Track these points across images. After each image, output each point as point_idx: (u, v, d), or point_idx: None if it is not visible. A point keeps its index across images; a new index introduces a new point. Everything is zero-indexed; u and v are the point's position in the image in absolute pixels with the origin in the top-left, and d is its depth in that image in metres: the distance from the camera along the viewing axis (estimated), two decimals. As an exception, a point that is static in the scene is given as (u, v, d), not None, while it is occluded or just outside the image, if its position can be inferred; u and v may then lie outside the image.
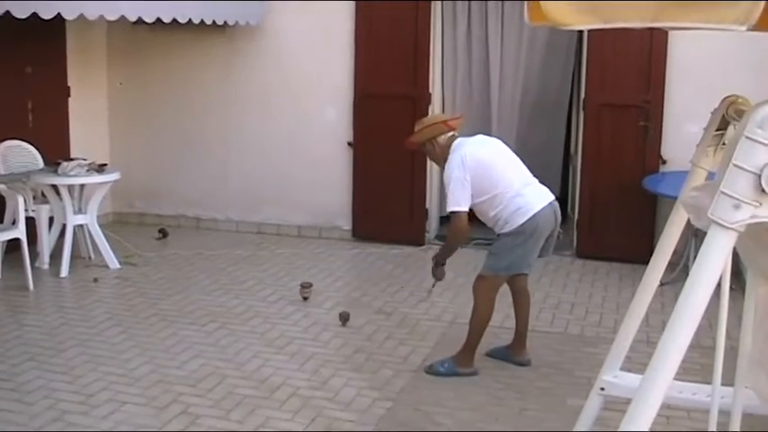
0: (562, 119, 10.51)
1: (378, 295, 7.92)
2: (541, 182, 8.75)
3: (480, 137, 6.34)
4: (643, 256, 8.53)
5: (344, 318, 7.10)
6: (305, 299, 7.57)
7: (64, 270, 8.22)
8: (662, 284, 8.20)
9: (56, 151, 9.08)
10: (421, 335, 6.91)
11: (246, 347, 6.50)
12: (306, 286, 7.64)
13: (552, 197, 6.10)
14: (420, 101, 9.50)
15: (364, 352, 6.48)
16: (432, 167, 9.61)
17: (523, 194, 5.97)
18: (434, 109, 9.73)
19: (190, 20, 8.63)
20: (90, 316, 7.15)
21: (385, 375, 6.06)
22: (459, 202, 5.91)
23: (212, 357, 6.28)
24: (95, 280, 8.06)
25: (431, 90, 9.59)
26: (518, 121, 10.27)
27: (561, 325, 7.25)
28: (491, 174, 5.97)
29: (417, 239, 9.66)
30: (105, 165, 8.66)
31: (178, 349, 6.42)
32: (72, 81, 9.95)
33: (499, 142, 6.30)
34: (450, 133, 6.16)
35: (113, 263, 8.54)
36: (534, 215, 5.91)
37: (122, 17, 7.91)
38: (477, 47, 10.02)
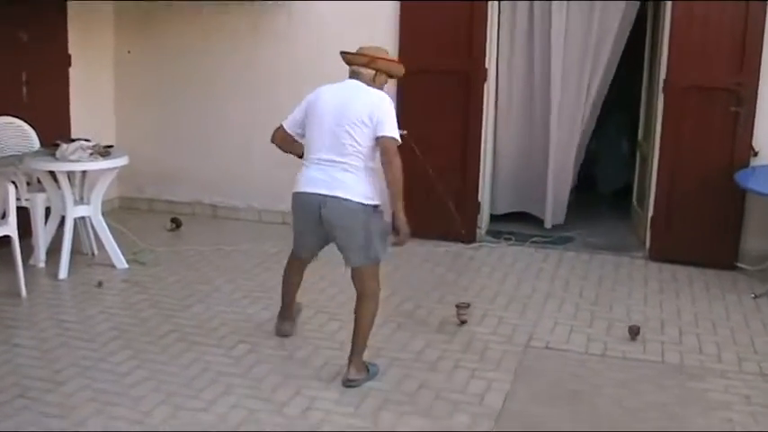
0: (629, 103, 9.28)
1: (433, 308, 6.73)
2: (607, 170, 7.63)
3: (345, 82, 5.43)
4: (728, 260, 7.61)
5: (634, 332, 6.17)
6: (462, 322, 6.36)
7: (62, 271, 7.04)
8: (756, 297, 7.17)
9: (54, 130, 7.90)
10: (494, 363, 5.73)
11: (285, 381, 5.30)
12: (462, 307, 6.42)
13: (329, 191, 5.19)
14: (474, 75, 8.32)
15: (430, 388, 5.29)
16: (486, 155, 8.43)
17: (305, 166, 5.40)
18: (489, 87, 8.48)
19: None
20: (93, 333, 5.96)
21: (461, 422, 4.85)
22: None
23: (244, 395, 5.09)
24: (99, 284, 6.89)
25: (487, 65, 8.33)
26: (582, 106, 9.04)
27: (656, 351, 6.05)
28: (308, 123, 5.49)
29: (467, 236, 8.45)
30: (111, 147, 7.45)
31: (202, 382, 5.23)
32: (73, 49, 8.72)
33: (348, 96, 5.30)
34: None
35: (120, 262, 7.35)
36: (295, 194, 5.40)
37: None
38: (538, 21, 8.78)
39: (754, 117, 7.78)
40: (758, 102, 7.75)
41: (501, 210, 9.14)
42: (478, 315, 6.54)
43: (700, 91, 7.84)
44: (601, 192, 10.78)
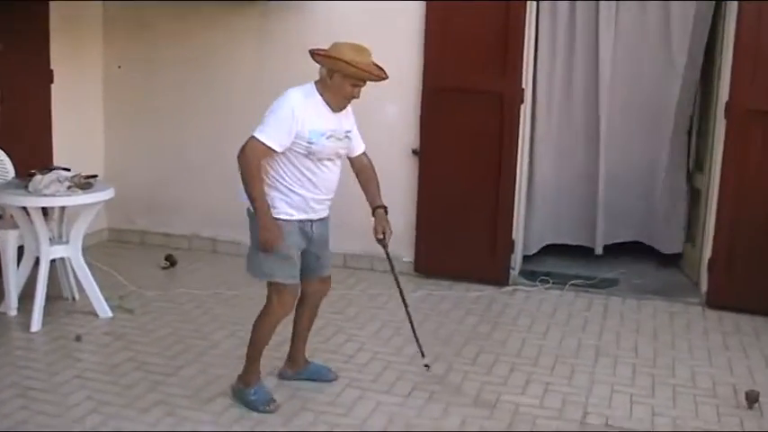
0: (684, 129, 8.26)
1: (467, 371, 5.73)
2: (665, 206, 7.96)
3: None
4: None
5: (753, 399, 5.28)
6: (751, 406, 5.33)
7: (35, 323, 6.07)
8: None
9: (33, 156, 7.03)
10: (547, 448, 4.71)
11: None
12: (752, 399, 5.36)
13: None
14: (510, 98, 7.33)
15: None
16: (521, 185, 7.47)
17: None
18: (526, 109, 7.51)
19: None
20: (64, 406, 4.96)
21: None
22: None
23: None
24: (78, 338, 5.93)
25: (524, 85, 7.35)
26: (631, 132, 8.21)
27: (733, 425, 5.06)
28: None
29: (499, 278, 7.52)
30: (95, 177, 6.45)
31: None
32: (56, 63, 7.75)
33: None
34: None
35: (103, 310, 6.39)
36: None
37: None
38: (582, 34, 7.91)
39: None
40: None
41: (533, 248, 8.14)
42: (521, 379, 5.58)
43: (767, 115, 6.87)
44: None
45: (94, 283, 6.37)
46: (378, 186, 5.17)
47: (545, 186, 8.07)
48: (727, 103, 6.98)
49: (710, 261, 7.24)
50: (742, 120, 6.90)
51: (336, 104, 4.82)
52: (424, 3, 7.41)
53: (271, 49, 7.96)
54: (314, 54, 4.80)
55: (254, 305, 6.64)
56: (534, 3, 7.39)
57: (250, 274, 4.97)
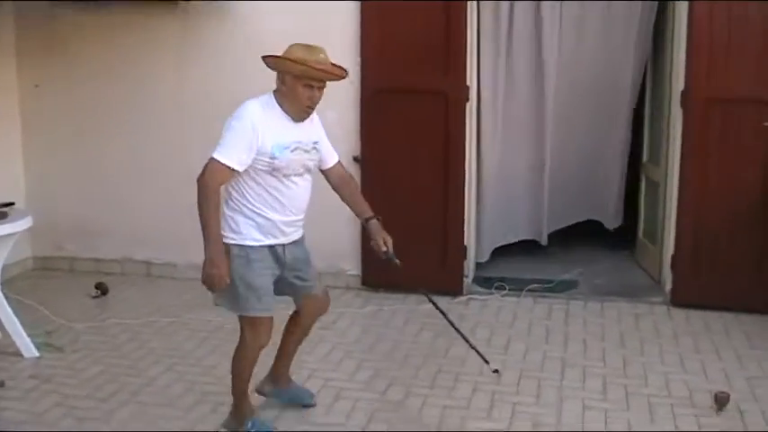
0: (625, 125, 7.98)
1: (427, 395, 5.30)
2: (600, 198, 8.09)
3: None
4: (765, 301, 6.61)
5: (722, 402, 4.99)
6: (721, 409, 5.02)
7: (-50, 368, 5.52)
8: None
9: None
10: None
11: None
12: (722, 402, 5.05)
13: None
14: (455, 97, 6.92)
15: None
16: (471, 187, 7.07)
17: None
18: (472, 107, 7.11)
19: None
20: (-15, 465, 4.44)
21: None
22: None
23: None
24: (1, 384, 5.36)
25: (468, 83, 6.95)
26: (577, 122, 7.95)
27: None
28: None
29: (452, 287, 7.10)
30: (11, 205, 5.92)
31: None
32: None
33: None
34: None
35: (28, 349, 5.86)
36: None
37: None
38: (524, 26, 7.55)
39: (791, 131, 6.50)
40: (797, 114, 6.49)
41: (485, 254, 7.74)
42: (485, 401, 5.18)
43: (727, 104, 6.60)
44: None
45: (17, 321, 5.84)
46: (361, 196, 4.81)
47: (493, 186, 7.70)
48: (683, 92, 6.65)
49: (673, 258, 6.92)
50: (700, 109, 6.59)
51: (296, 112, 4.39)
52: (359, 2, 6.97)
53: (193, 52, 7.46)
54: (264, 58, 4.41)
55: (191, 333, 6.27)
56: (475, 2, 7.04)
57: (228, 309, 4.53)
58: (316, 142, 4.51)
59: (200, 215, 4.21)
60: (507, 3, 7.38)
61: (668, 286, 6.97)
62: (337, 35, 6.93)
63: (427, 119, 6.92)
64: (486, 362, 5.22)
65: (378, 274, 7.09)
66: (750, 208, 6.60)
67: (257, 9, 7.20)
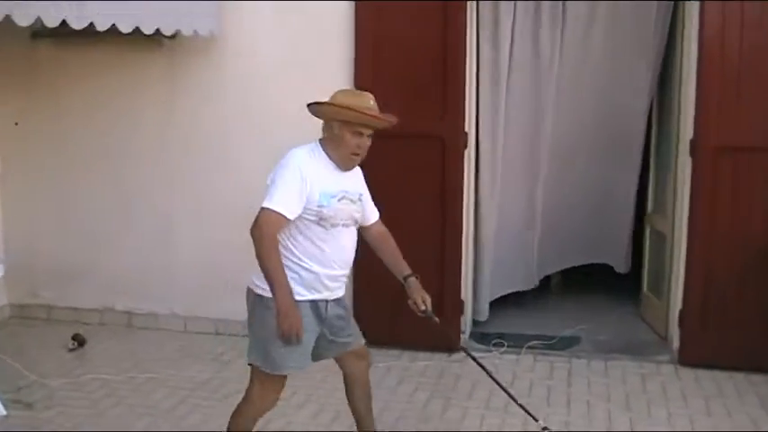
0: (636, 165, 7.65)
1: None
2: (608, 241, 7.85)
3: None
4: None
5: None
6: None
7: None
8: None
9: None
10: None
11: None
12: None
13: None
14: (452, 142, 6.60)
15: None
16: (469, 237, 6.73)
17: None
18: (470, 153, 6.79)
19: (113, 27, 5.62)
20: None
21: None
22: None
23: None
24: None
25: (467, 128, 6.63)
26: (584, 164, 7.73)
27: None
28: None
29: (448, 344, 6.68)
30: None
31: None
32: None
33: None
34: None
35: (-3, 407, 5.48)
36: None
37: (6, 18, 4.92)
38: (523, 70, 7.20)
39: (806, 181, 6.20)
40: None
41: (484, 310, 7.37)
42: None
43: (738, 152, 6.26)
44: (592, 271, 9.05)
45: (-17, 376, 5.49)
46: (400, 254, 4.58)
47: (492, 237, 7.32)
48: (692, 141, 6.33)
49: (681, 314, 6.56)
50: (710, 158, 6.26)
51: (343, 161, 4.23)
52: (353, 34, 6.66)
53: (179, 90, 7.13)
54: (309, 105, 4.27)
55: (171, 391, 5.87)
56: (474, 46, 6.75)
57: (258, 366, 4.23)
58: (361, 194, 4.36)
59: (264, 267, 4.00)
60: (508, 41, 7.01)
61: (675, 344, 6.62)
62: (330, 70, 6.65)
63: (423, 165, 6.60)
64: (536, 419, 4.86)
65: (372, 329, 6.66)
66: (761, 261, 6.26)
67: (245, 43, 6.91)
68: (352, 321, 4.53)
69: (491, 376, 4.81)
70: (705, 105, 6.22)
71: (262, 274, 4.07)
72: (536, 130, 7.34)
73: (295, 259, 4.13)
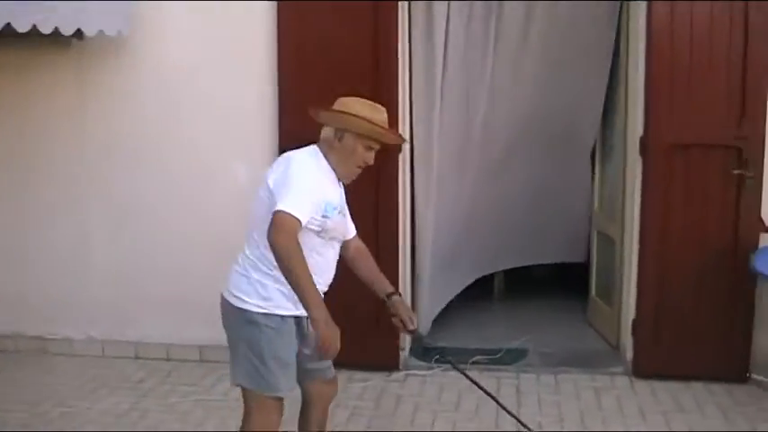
0: (587, 160, 7.30)
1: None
2: (563, 254, 7.74)
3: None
4: (738, 371, 5.99)
5: None
6: None
7: None
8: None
9: None
10: None
11: None
12: None
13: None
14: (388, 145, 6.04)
15: None
16: (406, 256, 6.29)
17: None
18: (405, 156, 6.35)
19: (8, 25, 5.05)
20: None
21: None
22: None
23: None
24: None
25: (401, 130, 6.17)
26: (527, 165, 7.41)
27: None
28: None
29: (387, 362, 6.28)
30: None
31: None
32: None
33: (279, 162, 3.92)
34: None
35: None
36: None
37: None
38: (459, 65, 6.75)
39: (761, 181, 5.86)
40: (765, 161, 5.87)
41: (425, 323, 6.90)
42: None
43: (691, 150, 5.90)
44: (535, 275, 8.67)
45: None
46: (380, 271, 4.27)
47: (429, 244, 6.86)
48: (642, 139, 5.93)
49: (635, 323, 6.19)
50: (661, 156, 5.88)
51: (345, 173, 3.93)
52: (275, 31, 6.17)
53: (90, 95, 6.56)
54: (318, 110, 3.94)
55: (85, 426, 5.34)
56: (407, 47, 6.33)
57: (252, 388, 3.86)
58: (345, 207, 4.04)
59: (291, 275, 3.54)
60: (442, 40, 6.55)
61: (629, 354, 6.23)
62: (250, 69, 6.19)
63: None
64: (528, 428, 4.64)
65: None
66: (718, 266, 5.91)
67: (159, 44, 6.38)
68: None
69: (481, 388, 4.69)
70: (655, 102, 5.85)
71: (240, 285, 3.82)
72: (472, 129, 6.97)
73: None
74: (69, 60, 6.46)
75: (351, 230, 4.17)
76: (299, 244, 3.56)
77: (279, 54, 6.16)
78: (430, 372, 6.29)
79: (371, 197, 6.06)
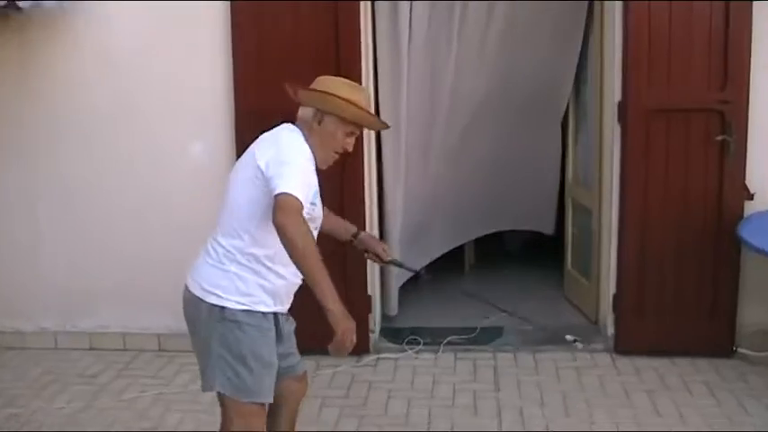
0: (556, 130, 7.00)
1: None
2: (533, 222, 7.53)
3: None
4: (723, 345, 5.74)
5: None
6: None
7: None
8: None
9: None
10: None
11: None
12: None
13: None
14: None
15: None
16: (374, 229, 6.00)
17: None
18: (371, 137, 6.04)
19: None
20: None
21: None
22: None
23: None
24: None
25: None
26: (491, 134, 7.06)
27: None
28: None
29: (357, 346, 5.80)
30: None
31: None
32: None
33: (254, 145, 3.52)
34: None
35: None
36: None
37: None
38: (426, 23, 6.36)
39: (745, 147, 5.58)
40: (749, 126, 5.57)
41: (394, 304, 6.60)
42: None
43: (671, 115, 5.59)
44: (507, 247, 8.39)
45: None
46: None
47: (400, 218, 6.54)
48: (619, 104, 5.63)
49: (615, 298, 5.91)
50: (641, 123, 5.57)
51: (325, 159, 3.52)
52: (229, 3, 5.78)
53: (33, 72, 6.11)
54: (297, 89, 3.51)
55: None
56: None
57: (232, 395, 3.44)
58: None
59: (305, 263, 3.15)
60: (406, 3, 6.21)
61: (610, 330, 5.96)
62: (204, 46, 5.82)
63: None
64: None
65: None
66: (701, 236, 5.64)
67: (106, 16, 5.94)
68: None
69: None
70: (634, 65, 5.53)
71: (213, 278, 3.40)
72: (438, 98, 6.63)
73: (268, 263, 3.39)
74: (9, 33, 6.02)
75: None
76: (310, 229, 3.22)
77: (234, 58, 5.80)
78: (402, 354, 5.99)
79: (337, 168, 5.70)
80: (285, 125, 3.50)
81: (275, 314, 3.50)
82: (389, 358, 5.95)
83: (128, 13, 5.91)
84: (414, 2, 6.12)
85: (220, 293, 3.37)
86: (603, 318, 6.09)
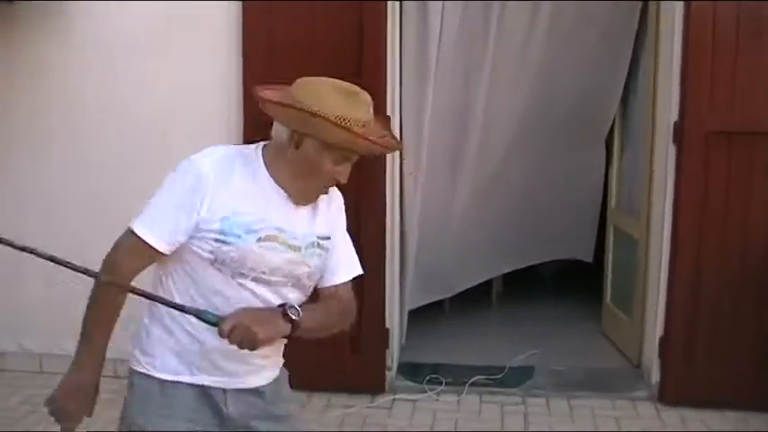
0: (600, 150, 6.41)
1: None
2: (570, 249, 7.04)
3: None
4: None
5: None
6: None
7: None
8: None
9: None
10: None
11: None
12: None
13: None
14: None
15: None
16: (394, 255, 5.40)
17: None
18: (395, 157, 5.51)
19: None
20: None
21: None
22: None
23: None
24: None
25: (389, 111, 5.25)
26: (527, 154, 6.52)
27: None
28: None
29: (371, 384, 5.39)
30: None
31: None
32: None
33: None
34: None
35: None
36: None
37: None
38: (457, 25, 5.79)
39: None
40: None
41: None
42: None
43: (735, 138, 5.00)
44: (542, 274, 7.81)
45: None
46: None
47: (419, 246, 5.97)
48: (676, 124, 5.03)
49: (662, 341, 5.29)
50: (699, 146, 4.99)
51: (302, 193, 2.53)
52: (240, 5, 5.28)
53: (21, 68, 5.63)
54: (265, 97, 2.46)
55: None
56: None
57: None
58: (325, 237, 2.63)
59: (86, 308, 2.55)
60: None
61: (655, 377, 5.36)
62: (210, 42, 5.29)
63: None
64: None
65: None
66: (763, 275, 5.07)
67: (102, 9, 5.46)
68: (296, 417, 2.84)
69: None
70: (694, 83, 4.94)
71: (142, 338, 2.64)
72: (470, 116, 6.07)
73: (173, 311, 2.51)
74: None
75: (334, 275, 2.70)
76: (122, 275, 2.51)
77: (244, 56, 5.28)
78: (421, 395, 5.39)
79: (353, 200, 5.12)
80: (234, 147, 2.66)
81: (199, 386, 2.60)
82: (407, 399, 5.36)
83: (128, 12, 5.45)
84: (446, 1, 5.53)
85: (131, 350, 2.67)
86: (648, 362, 5.48)
